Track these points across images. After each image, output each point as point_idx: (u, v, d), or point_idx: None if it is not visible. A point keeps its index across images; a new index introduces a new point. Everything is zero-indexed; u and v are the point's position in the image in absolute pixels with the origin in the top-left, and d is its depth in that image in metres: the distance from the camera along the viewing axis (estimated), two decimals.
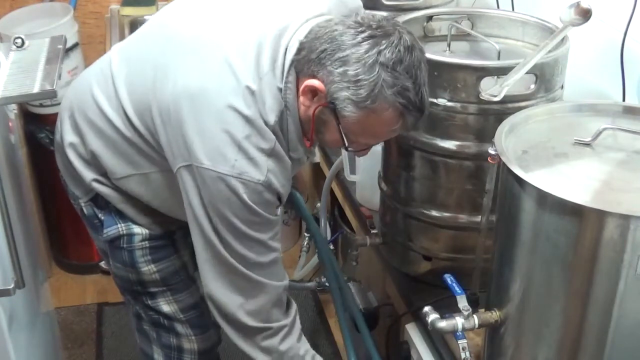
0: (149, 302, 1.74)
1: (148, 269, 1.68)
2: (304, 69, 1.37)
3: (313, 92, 1.37)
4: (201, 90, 1.38)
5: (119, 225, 1.65)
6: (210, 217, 1.42)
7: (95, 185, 1.61)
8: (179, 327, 1.77)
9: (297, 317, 1.59)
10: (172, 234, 1.69)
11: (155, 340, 1.81)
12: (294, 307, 1.60)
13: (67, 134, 1.61)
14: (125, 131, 1.52)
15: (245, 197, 1.38)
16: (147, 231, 1.66)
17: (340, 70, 1.32)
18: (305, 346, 1.59)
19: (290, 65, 1.39)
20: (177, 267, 1.72)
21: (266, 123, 1.38)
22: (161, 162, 1.51)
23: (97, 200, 1.65)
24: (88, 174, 1.61)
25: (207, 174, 1.37)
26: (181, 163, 1.41)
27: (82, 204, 1.68)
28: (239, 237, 1.43)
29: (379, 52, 1.30)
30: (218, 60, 1.40)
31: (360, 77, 1.31)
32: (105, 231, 1.66)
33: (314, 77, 1.36)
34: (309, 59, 1.36)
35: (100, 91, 1.55)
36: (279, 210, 1.48)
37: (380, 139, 1.49)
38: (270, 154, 1.39)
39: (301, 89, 1.38)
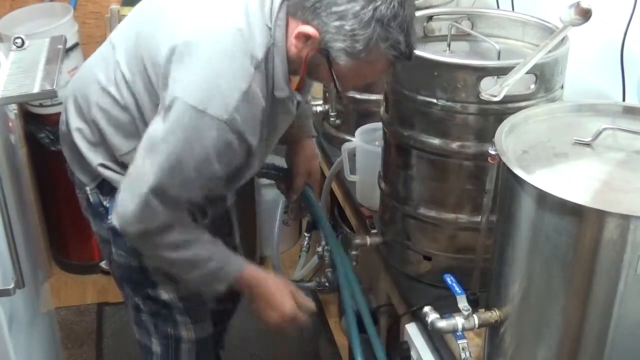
0: (149, 290, 1.76)
1: None
2: (297, 12, 1.42)
3: (306, 37, 1.41)
4: (190, 35, 1.44)
5: None
6: (164, 141, 1.43)
7: (102, 170, 1.65)
8: (178, 315, 1.80)
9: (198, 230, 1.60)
10: None
11: (154, 331, 1.83)
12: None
13: (73, 120, 1.66)
14: (128, 104, 1.56)
15: (206, 133, 1.41)
16: None
17: (336, 23, 1.37)
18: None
19: (281, 4, 1.44)
20: None
21: (253, 58, 1.42)
22: None
23: (103, 187, 1.68)
24: (95, 158, 1.64)
25: (176, 104, 1.41)
26: (162, 92, 1.46)
27: (89, 192, 1.70)
28: (172, 167, 1.44)
29: (375, 9, 1.36)
30: (208, 13, 1.46)
31: (356, 32, 1.37)
32: (109, 218, 1.68)
33: (307, 23, 1.40)
34: (303, 5, 1.40)
35: (102, 73, 1.60)
36: (227, 161, 1.47)
37: (369, 81, 1.59)
38: (245, 93, 1.41)
39: (295, 33, 1.43)
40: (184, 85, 1.42)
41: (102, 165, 1.65)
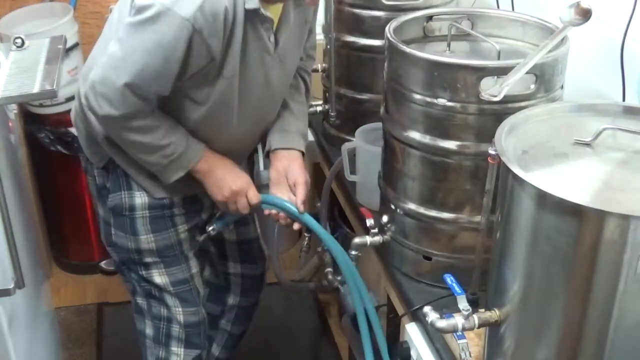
0: (143, 272, 1.85)
1: (146, 237, 1.79)
2: None
3: None
4: None
5: (122, 192, 1.77)
6: (135, 33, 1.52)
7: (107, 142, 1.71)
8: (169, 299, 1.88)
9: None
10: (171, 205, 1.79)
11: (147, 312, 1.91)
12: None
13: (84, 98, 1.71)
14: None
15: (171, 30, 1.48)
16: (147, 199, 1.77)
17: None
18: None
19: None
20: (173, 241, 1.83)
21: None
22: None
23: (109, 166, 1.77)
24: (101, 129, 1.70)
25: (145, 3, 1.49)
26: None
27: (96, 173, 1.80)
28: (142, 60, 1.53)
29: None
30: None
31: None
32: (110, 197, 1.78)
33: None
34: None
35: (106, 47, 1.64)
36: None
37: None
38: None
39: None
40: None
41: (107, 138, 1.71)
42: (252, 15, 1.57)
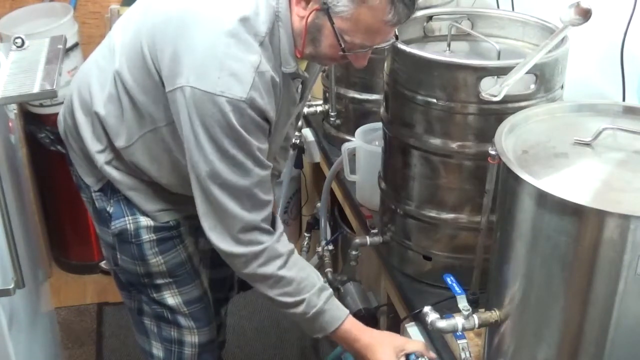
0: (154, 294, 1.77)
1: (156, 260, 1.71)
2: None
3: (307, 0, 1.42)
4: (192, 10, 1.44)
5: (126, 218, 1.68)
6: (196, 134, 1.43)
7: (107, 168, 1.64)
8: (182, 320, 1.80)
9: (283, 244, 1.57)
10: (177, 226, 1.73)
11: (156, 334, 1.83)
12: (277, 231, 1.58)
13: (79, 115, 1.65)
14: (131, 89, 1.54)
15: (230, 115, 1.39)
16: (152, 223, 1.69)
17: None
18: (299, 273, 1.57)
19: None
20: (183, 258, 1.75)
21: (256, 35, 1.41)
22: (161, 114, 1.53)
23: (107, 190, 1.68)
24: (100, 157, 1.64)
25: (193, 92, 1.40)
26: (171, 87, 1.44)
27: (94, 196, 1.70)
28: (223, 155, 1.43)
29: None
30: None
31: None
32: (113, 224, 1.69)
33: None
34: None
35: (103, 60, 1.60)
36: (263, 142, 1.48)
37: (375, 35, 1.44)
38: (255, 69, 1.41)
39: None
40: (194, 70, 1.40)
41: (108, 163, 1.64)
42: (287, 76, 1.52)
